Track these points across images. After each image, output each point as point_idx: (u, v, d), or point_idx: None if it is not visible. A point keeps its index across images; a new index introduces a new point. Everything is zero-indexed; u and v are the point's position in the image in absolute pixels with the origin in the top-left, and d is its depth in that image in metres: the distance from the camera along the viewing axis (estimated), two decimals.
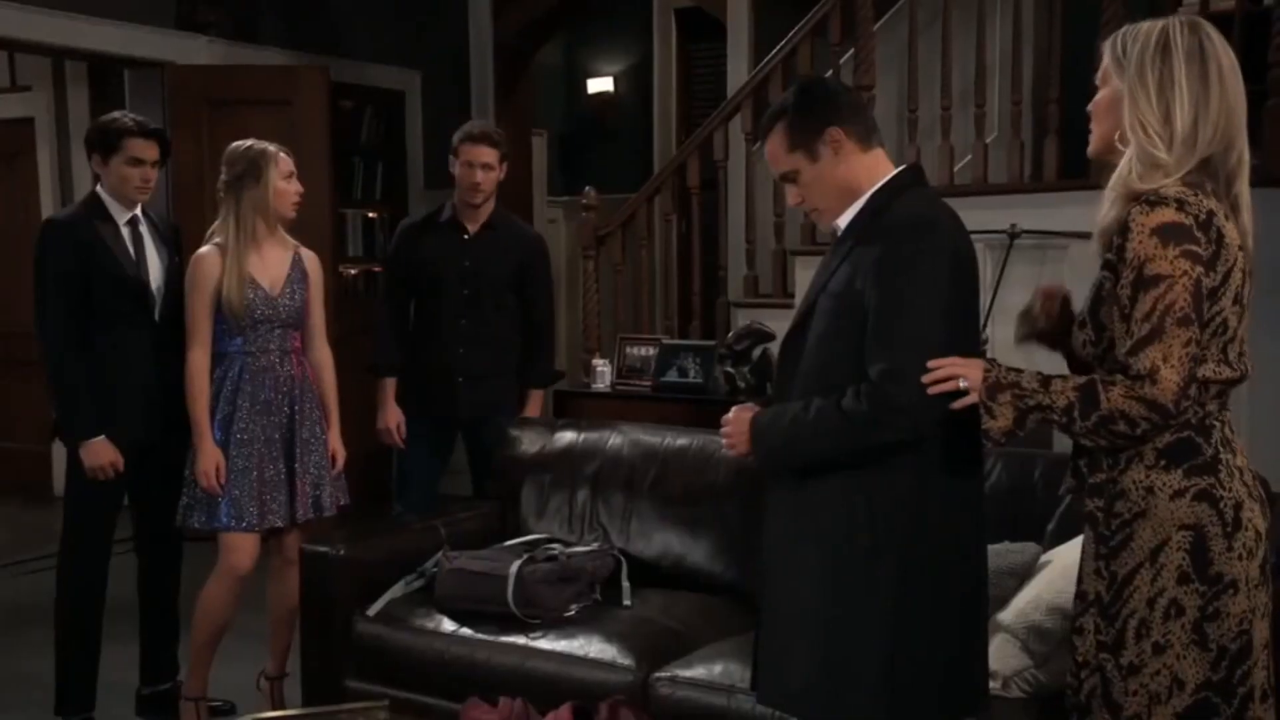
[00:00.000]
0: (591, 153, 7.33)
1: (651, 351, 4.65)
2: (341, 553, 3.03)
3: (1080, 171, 3.59)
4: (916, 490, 1.95)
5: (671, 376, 4.52)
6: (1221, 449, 1.79)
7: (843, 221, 2.06)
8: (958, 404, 1.86)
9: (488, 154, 3.57)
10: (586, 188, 5.01)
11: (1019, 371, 1.84)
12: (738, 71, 5.48)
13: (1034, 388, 1.81)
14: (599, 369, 4.70)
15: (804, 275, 4.41)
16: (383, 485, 5.88)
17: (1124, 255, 1.74)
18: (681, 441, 3.23)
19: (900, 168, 2.09)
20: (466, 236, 3.65)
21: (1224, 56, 1.79)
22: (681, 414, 4.21)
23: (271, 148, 3.14)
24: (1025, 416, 1.81)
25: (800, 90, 2.10)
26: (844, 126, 2.03)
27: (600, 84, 7.33)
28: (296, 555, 3.14)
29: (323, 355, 3.29)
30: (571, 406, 4.60)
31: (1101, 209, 1.81)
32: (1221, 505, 1.76)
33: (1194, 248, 1.72)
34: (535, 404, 3.75)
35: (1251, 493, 1.81)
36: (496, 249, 3.65)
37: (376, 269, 6.46)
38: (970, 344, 2.03)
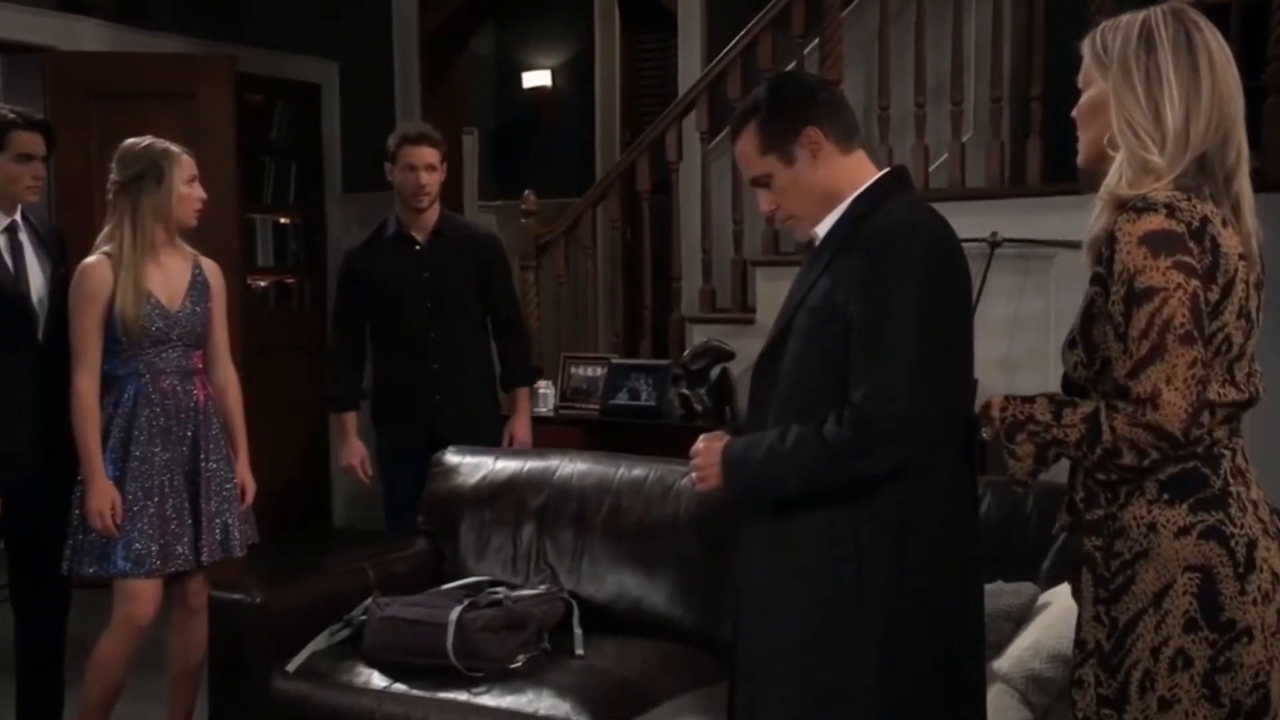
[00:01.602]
0: (527, 153, 7.34)
1: (599, 371, 4.67)
2: (257, 600, 2.99)
3: (1065, 175, 3.63)
4: (906, 521, 1.93)
5: (621, 399, 4.54)
6: (1232, 480, 1.78)
7: (821, 230, 2.06)
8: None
9: (429, 154, 3.73)
10: (525, 191, 4.98)
11: (1030, 402, 1.84)
12: (690, 64, 5.50)
13: (1048, 420, 1.80)
14: (541, 391, 4.68)
15: (766, 287, 4.41)
16: (300, 522, 5.78)
17: (1113, 268, 1.74)
18: (637, 471, 3.21)
19: (884, 171, 2.08)
20: (418, 247, 3.78)
21: (1214, 43, 1.79)
22: (633, 440, 4.18)
23: (174, 148, 3.12)
24: (1045, 452, 1.82)
25: (773, 87, 2.10)
26: (822, 126, 2.03)
27: (536, 78, 7.34)
28: (202, 603, 3.10)
29: (227, 376, 3.26)
30: None
31: (1091, 218, 1.81)
32: (1233, 544, 1.75)
33: (1187, 258, 1.71)
34: (524, 402, 3.95)
35: (1267, 529, 1.79)
36: (454, 255, 3.78)
37: (289, 280, 6.43)
38: (963, 362, 2.03)
